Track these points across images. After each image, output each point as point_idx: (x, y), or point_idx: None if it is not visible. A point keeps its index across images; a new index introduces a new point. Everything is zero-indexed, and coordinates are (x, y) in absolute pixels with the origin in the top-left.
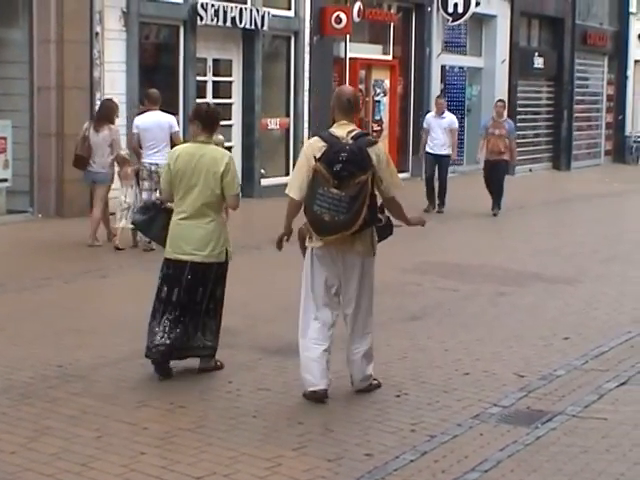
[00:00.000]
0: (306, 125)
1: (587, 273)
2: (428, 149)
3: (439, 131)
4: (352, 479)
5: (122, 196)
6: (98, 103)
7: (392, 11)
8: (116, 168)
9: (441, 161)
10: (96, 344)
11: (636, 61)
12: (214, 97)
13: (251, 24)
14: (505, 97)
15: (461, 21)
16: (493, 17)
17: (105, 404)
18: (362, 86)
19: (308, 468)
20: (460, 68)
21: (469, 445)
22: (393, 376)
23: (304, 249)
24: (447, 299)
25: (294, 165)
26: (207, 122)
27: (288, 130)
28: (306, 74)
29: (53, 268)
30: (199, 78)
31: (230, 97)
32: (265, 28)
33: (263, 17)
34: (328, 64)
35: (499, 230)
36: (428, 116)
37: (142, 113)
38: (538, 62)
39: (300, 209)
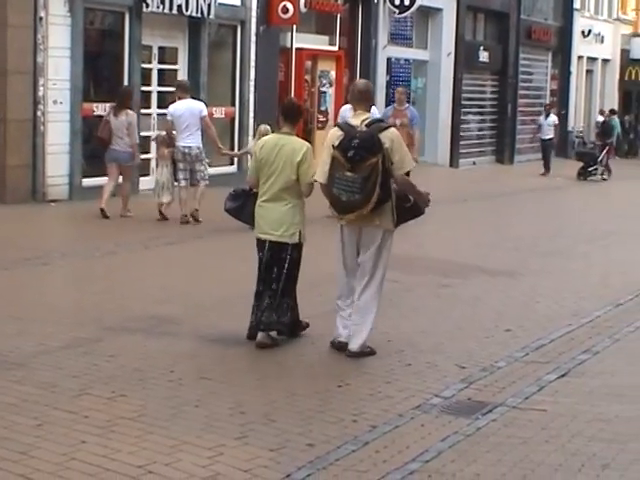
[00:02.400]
0: (252, 115)
1: (528, 266)
2: None
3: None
4: (294, 469)
5: (157, 175)
6: (42, 89)
7: (339, 2)
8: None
9: None
10: (36, 332)
11: (579, 57)
12: (159, 85)
13: (197, 12)
14: (450, 90)
15: (407, 14)
16: (439, 10)
17: (45, 392)
18: (308, 77)
19: (250, 458)
20: (406, 60)
21: (410, 435)
22: (335, 366)
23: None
24: (389, 290)
25: None
26: (289, 114)
27: (233, 119)
28: (252, 64)
29: None
30: (144, 65)
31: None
32: (211, 16)
33: (209, 5)
34: (274, 54)
35: (441, 222)
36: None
37: (174, 102)
38: (483, 56)
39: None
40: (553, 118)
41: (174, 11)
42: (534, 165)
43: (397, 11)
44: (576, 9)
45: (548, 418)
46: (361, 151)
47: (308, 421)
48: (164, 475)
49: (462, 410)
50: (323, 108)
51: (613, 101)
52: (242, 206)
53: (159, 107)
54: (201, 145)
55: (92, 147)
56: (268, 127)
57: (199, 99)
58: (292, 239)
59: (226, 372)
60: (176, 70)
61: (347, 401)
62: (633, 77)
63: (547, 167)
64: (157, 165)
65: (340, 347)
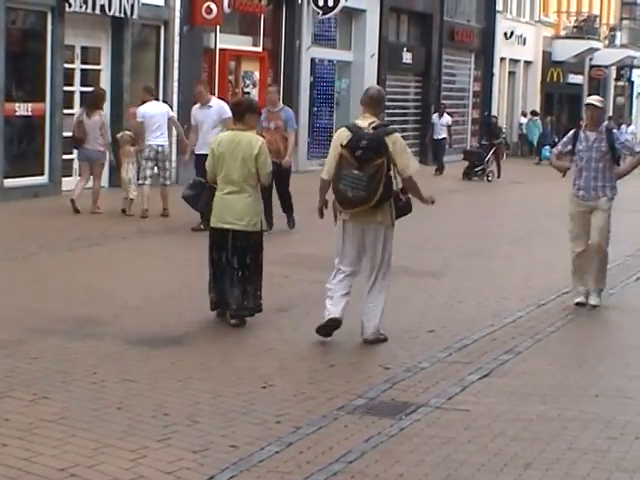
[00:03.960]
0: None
1: (451, 267)
2: (198, 149)
3: (207, 125)
4: (217, 470)
5: (123, 172)
6: None
7: (262, 3)
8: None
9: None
10: None
11: (502, 59)
12: (82, 85)
13: (120, 12)
14: None
15: (331, 15)
16: (363, 11)
17: None
18: (231, 77)
19: (173, 459)
20: (330, 61)
21: (334, 436)
22: (259, 367)
23: (336, 219)
24: (314, 291)
25: None
26: (235, 112)
27: None
28: (175, 64)
29: None
30: (67, 66)
31: (99, 86)
32: (134, 16)
33: (133, 5)
34: (198, 54)
35: None
36: (195, 107)
37: (142, 104)
38: (407, 57)
39: (329, 187)
40: (447, 118)
41: (97, 11)
42: (458, 166)
43: (321, 12)
44: (498, 11)
45: (471, 418)
46: (368, 151)
47: (231, 423)
48: (87, 478)
49: (386, 411)
50: None
51: (535, 103)
52: (198, 195)
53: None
54: (167, 144)
55: (15, 147)
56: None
57: (165, 102)
58: (255, 228)
59: (149, 374)
60: (99, 70)
61: (271, 402)
62: (555, 79)
63: (440, 167)
64: (121, 163)
65: (329, 326)
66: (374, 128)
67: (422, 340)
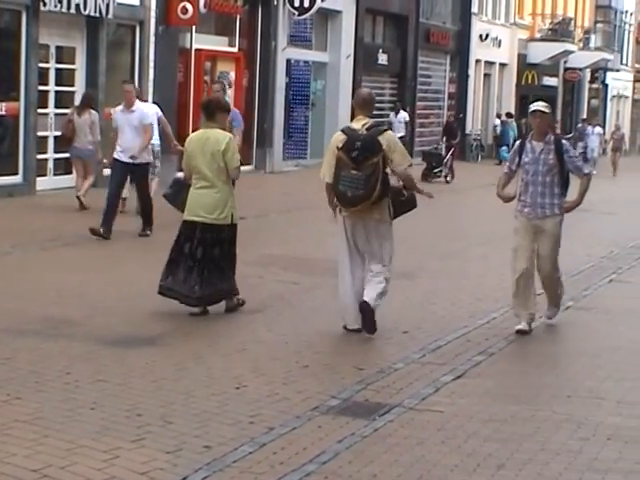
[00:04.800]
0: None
1: (426, 268)
2: (116, 155)
3: (128, 130)
4: (191, 471)
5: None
6: None
7: (238, 3)
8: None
9: (135, 171)
10: None
11: (477, 61)
12: (57, 85)
13: (96, 11)
14: (349, 92)
15: (307, 15)
16: (338, 13)
17: None
18: (207, 78)
19: (146, 460)
20: (305, 62)
21: (308, 437)
22: (233, 368)
23: (336, 215)
24: (288, 292)
25: None
26: (204, 111)
27: None
28: (151, 64)
29: None
30: (41, 65)
31: (73, 85)
32: (110, 16)
33: (108, 5)
34: (173, 55)
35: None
36: (117, 109)
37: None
38: (382, 58)
39: (333, 188)
40: (403, 114)
41: (72, 10)
42: (418, 168)
43: (297, 13)
44: (474, 13)
45: (444, 419)
46: (363, 151)
47: (205, 423)
48: (59, 479)
49: (359, 411)
50: None
51: (510, 105)
52: (177, 193)
53: (57, 107)
54: (159, 142)
55: None
56: None
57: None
58: (226, 221)
59: (123, 374)
60: (74, 70)
61: (244, 403)
62: (529, 81)
63: None
64: None
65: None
66: (367, 129)
67: (396, 341)
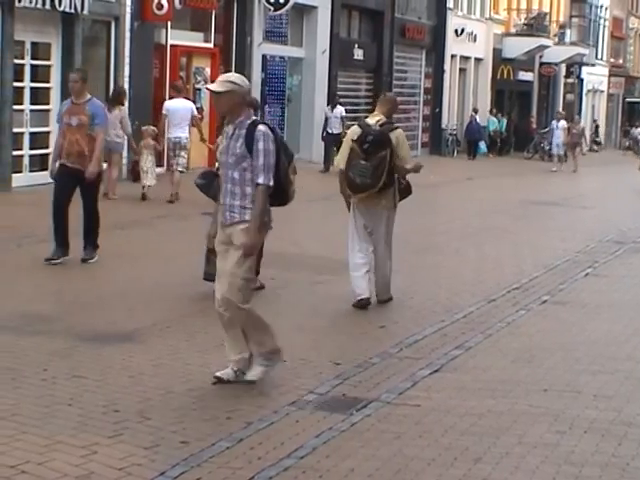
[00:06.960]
0: (126, 111)
1: (402, 263)
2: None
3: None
4: (168, 466)
5: (142, 162)
6: None
7: None
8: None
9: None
10: None
11: (453, 56)
12: (32, 81)
13: (71, 7)
14: (325, 88)
15: (282, 11)
16: (314, 8)
17: None
18: (183, 73)
19: (124, 456)
20: (281, 58)
21: (285, 432)
22: (210, 363)
23: (348, 203)
24: (266, 287)
25: None
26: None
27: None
28: (126, 60)
29: None
30: (17, 61)
31: (49, 82)
32: (85, 12)
33: (83, 1)
34: (149, 50)
35: (316, 220)
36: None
37: (171, 99)
38: (358, 54)
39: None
40: (340, 109)
41: (47, 6)
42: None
43: (272, 8)
44: (449, 8)
45: (421, 413)
46: (374, 145)
47: (182, 419)
48: (37, 475)
49: (337, 406)
50: (198, 105)
51: (486, 99)
52: (209, 183)
53: (32, 103)
54: (188, 136)
55: None
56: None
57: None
58: None
59: (100, 370)
60: (49, 66)
61: (222, 398)
62: (505, 76)
63: (327, 164)
64: (141, 153)
65: (362, 305)
66: (381, 125)
67: (373, 335)
